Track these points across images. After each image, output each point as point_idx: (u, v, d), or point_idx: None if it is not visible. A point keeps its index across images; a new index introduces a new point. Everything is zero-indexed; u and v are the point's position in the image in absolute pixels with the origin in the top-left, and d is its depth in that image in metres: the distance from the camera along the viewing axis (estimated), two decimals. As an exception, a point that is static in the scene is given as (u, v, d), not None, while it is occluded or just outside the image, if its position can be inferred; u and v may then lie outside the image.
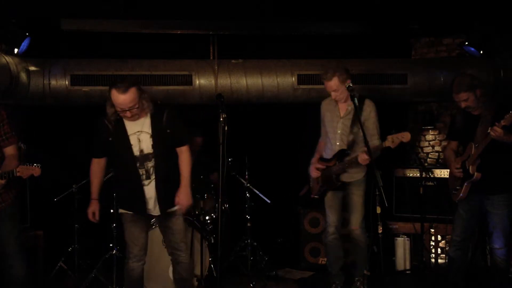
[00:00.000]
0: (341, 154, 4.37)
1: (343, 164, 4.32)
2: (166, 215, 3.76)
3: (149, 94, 3.64)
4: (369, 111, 4.31)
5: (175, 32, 5.55)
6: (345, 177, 4.39)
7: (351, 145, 4.36)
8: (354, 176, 4.40)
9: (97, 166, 3.79)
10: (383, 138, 4.11)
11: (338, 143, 4.40)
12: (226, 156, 3.44)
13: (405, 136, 4.00)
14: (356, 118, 4.14)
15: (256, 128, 6.16)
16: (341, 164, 4.34)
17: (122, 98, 3.42)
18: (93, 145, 3.77)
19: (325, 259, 5.40)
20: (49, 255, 5.27)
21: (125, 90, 3.40)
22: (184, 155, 3.73)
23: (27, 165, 3.60)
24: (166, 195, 3.68)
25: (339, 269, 4.58)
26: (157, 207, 3.70)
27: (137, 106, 3.48)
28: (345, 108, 4.40)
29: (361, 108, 4.28)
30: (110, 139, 3.62)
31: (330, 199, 4.51)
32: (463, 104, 4.00)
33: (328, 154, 4.50)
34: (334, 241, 4.52)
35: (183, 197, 3.66)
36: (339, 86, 4.21)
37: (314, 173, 4.53)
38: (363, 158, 4.09)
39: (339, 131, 4.40)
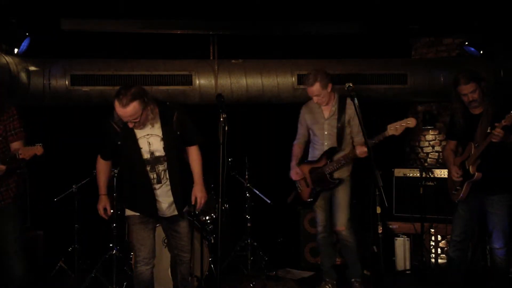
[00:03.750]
0: (331, 152, 4.45)
1: (338, 161, 4.40)
2: (173, 218, 3.74)
3: (152, 96, 3.54)
4: (353, 110, 4.31)
5: (175, 32, 5.55)
6: (336, 174, 4.48)
7: (340, 143, 4.46)
8: (341, 174, 4.49)
9: (104, 164, 3.76)
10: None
11: (326, 143, 4.50)
12: (226, 156, 3.43)
13: (411, 122, 4.07)
14: (341, 116, 4.39)
15: (256, 128, 6.15)
16: (334, 162, 4.42)
17: (123, 111, 3.36)
18: (102, 146, 3.73)
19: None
20: (49, 255, 5.28)
21: (126, 104, 3.33)
22: (194, 153, 3.73)
23: (28, 146, 3.52)
24: (182, 195, 3.67)
25: (330, 267, 4.67)
26: (171, 209, 3.67)
27: (137, 119, 3.41)
28: (329, 109, 4.51)
29: (343, 108, 4.44)
30: (119, 142, 3.56)
31: (318, 200, 4.58)
32: (470, 97, 3.96)
33: (314, 156, 4.58)
34: (322, 240, 4.62)
35: (199, 193, 3.68)
36: (320, 91, 4.35)
37: (295, 176, 4.58)
38: (362, 150, 4.21)
39: (326, 132, 4.51)
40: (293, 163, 4.62)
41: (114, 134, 3.55)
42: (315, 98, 4.42)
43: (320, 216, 4.59)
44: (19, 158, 3.50)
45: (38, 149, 3.50)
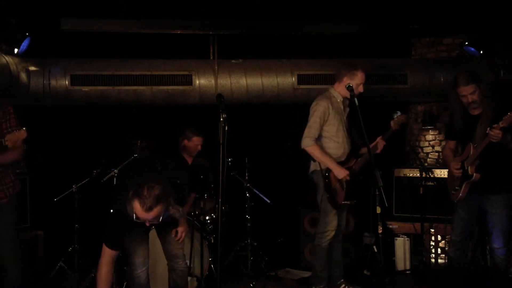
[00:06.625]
0: (355, 150, 4.41)
1: (363, 158, 4.35)
2: (165, 222, 3.74)
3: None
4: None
5: (175, 32, 5.55)
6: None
7: (356, 141, 4.45)
8: None
9: None
10: None
11: (347, 140, 4.42)
12: (226, 156, 3.43)
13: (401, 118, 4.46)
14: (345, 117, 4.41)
15: (256, 128, 6.15)
16: (360, 159, 4.35)
17: (145, 215, 3.07)
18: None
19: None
20: (49, 255, 5.28)
21: (149, 209, 3.03)
22: (191, 198, 3.89)
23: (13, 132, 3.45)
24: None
25: (328, 272, 4.48)
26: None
27: (159, 220, 3.16)
28: (344, 106, 4.47)
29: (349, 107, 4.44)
30: None
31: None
32: (469, 98, 3.96)
33: (338, 155, 4.37)
34: (329, 245, 4.41)
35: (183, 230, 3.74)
36: None
37: (346, 174, 4.27)
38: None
39: (347, 128, 4.44)
40: (335, 164, 4.26)
41: None
42: (360, 86, 4.30)
43: (336, 221, 4.34)
44: (4, 145, 3.41)
45: (21, 133, 3.41)
